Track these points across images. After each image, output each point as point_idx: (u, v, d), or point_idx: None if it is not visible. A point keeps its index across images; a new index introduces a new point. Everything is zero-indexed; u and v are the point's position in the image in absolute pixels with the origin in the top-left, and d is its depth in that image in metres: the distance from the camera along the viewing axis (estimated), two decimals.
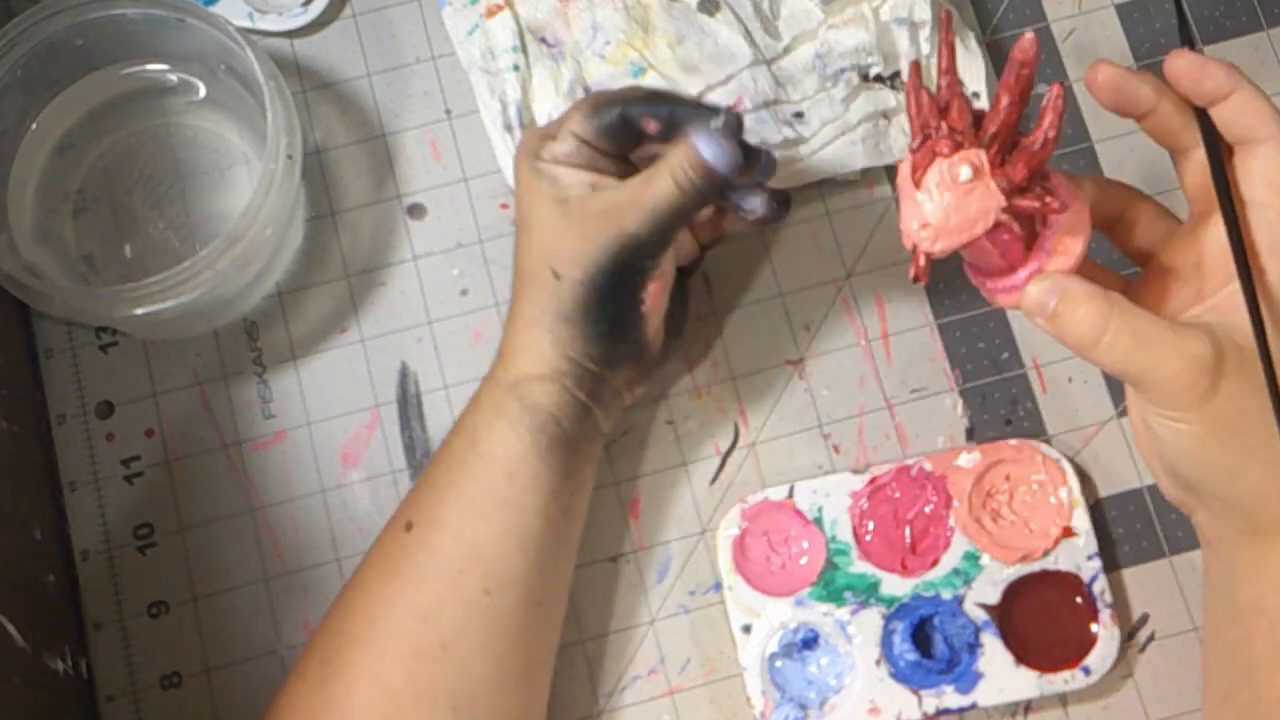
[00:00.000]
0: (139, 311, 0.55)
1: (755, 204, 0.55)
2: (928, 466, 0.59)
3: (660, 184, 0.53)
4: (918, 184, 0.46)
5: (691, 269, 0.60)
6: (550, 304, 0.54)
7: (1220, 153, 0.48)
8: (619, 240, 0.53)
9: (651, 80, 0.61)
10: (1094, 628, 0.57)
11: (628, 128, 0.54)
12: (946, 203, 0.45)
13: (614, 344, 0.54)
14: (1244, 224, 0.47)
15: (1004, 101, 0.46)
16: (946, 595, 0.58)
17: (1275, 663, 0.48)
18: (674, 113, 0.53)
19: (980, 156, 0.46)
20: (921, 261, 0.46)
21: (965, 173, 0.45)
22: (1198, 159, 0.49)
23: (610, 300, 0.53)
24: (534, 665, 0.55)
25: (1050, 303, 0.47)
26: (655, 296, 0.54)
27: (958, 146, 0.46)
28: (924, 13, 0.62)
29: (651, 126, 0.54)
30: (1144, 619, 0.59)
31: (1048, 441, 0.61)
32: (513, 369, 0.54)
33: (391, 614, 0.53)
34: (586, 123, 0.54)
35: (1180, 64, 0.48)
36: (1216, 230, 0.48)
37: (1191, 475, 0.49)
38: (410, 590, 0.53)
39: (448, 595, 0.53)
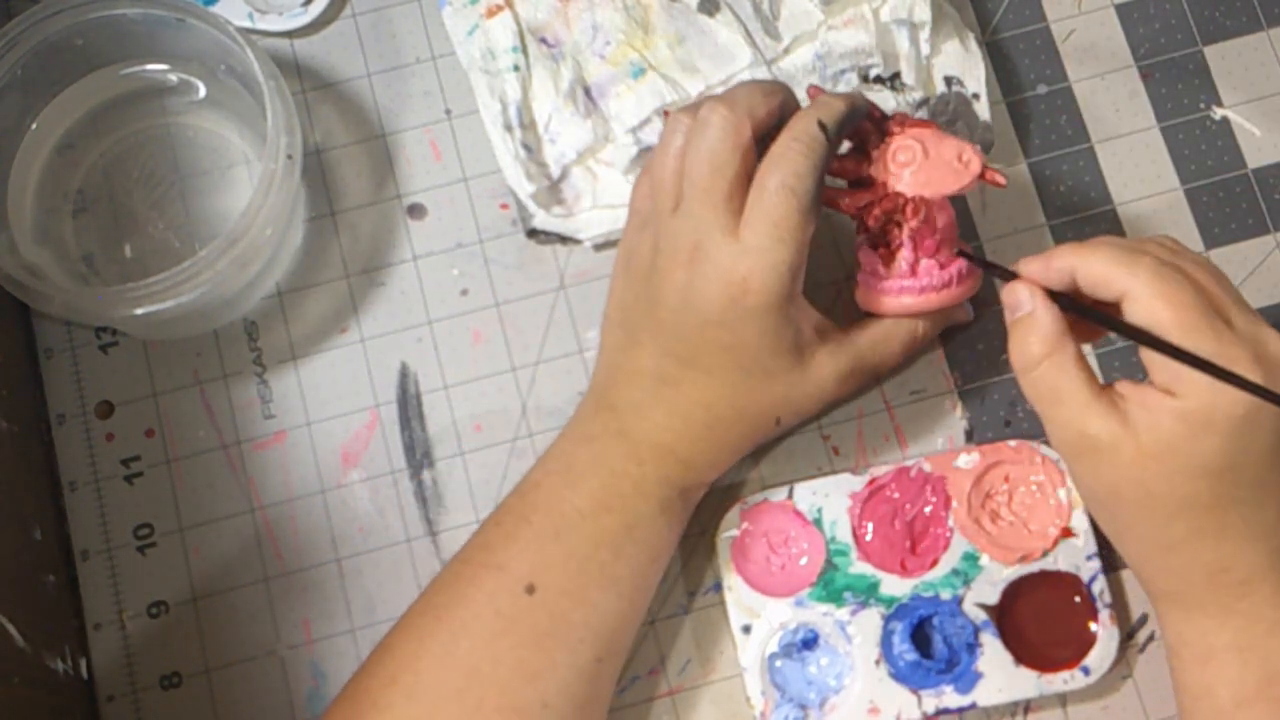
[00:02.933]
0: (139, 311, 0.55)
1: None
2: (927, 467, 0.59)
3: (906, 332, 0.57)
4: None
5: None
6: (758, 441, 0.57)
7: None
8: (865, 388, 0.58)
9: (651, 80, 0.61)
10: (1093, 628, 0.58)
11: None
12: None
13: None
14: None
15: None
16: (946, 595, 0.58)
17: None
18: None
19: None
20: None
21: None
22: (1124, 305, 0.49)
23: None
24: (604, 714, 0.56)
25: (1026, 307, 0.50)
26: None
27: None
28: (924, 13, 0.62)
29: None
30: (1143, 619, 0.59)
31: (1046, 442, 0.61)
32: (692, 475, 0.55)
33: (497, 671, 0.52)
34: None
35: (1027, 273, 0.51)
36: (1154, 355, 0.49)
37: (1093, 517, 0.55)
38: (523, 650, 0.52)
39: (561, 660, 0.53)
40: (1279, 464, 0.48)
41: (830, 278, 0.63)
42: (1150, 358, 0.48)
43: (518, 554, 0.53)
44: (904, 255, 0.54)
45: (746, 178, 0.51)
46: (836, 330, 0.56)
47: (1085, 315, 0.49)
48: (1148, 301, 0.47)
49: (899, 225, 0.54)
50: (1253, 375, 0.46)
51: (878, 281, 0.56)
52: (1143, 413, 0.48)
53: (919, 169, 0.53)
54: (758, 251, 0.50)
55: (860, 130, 0.54)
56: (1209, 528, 0.49)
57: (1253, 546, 0.49)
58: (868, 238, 0.55)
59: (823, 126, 0.50)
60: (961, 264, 0.55)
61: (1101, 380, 0.50)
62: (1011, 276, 0.50)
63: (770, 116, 0.52)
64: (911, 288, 0.55)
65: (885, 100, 0.62)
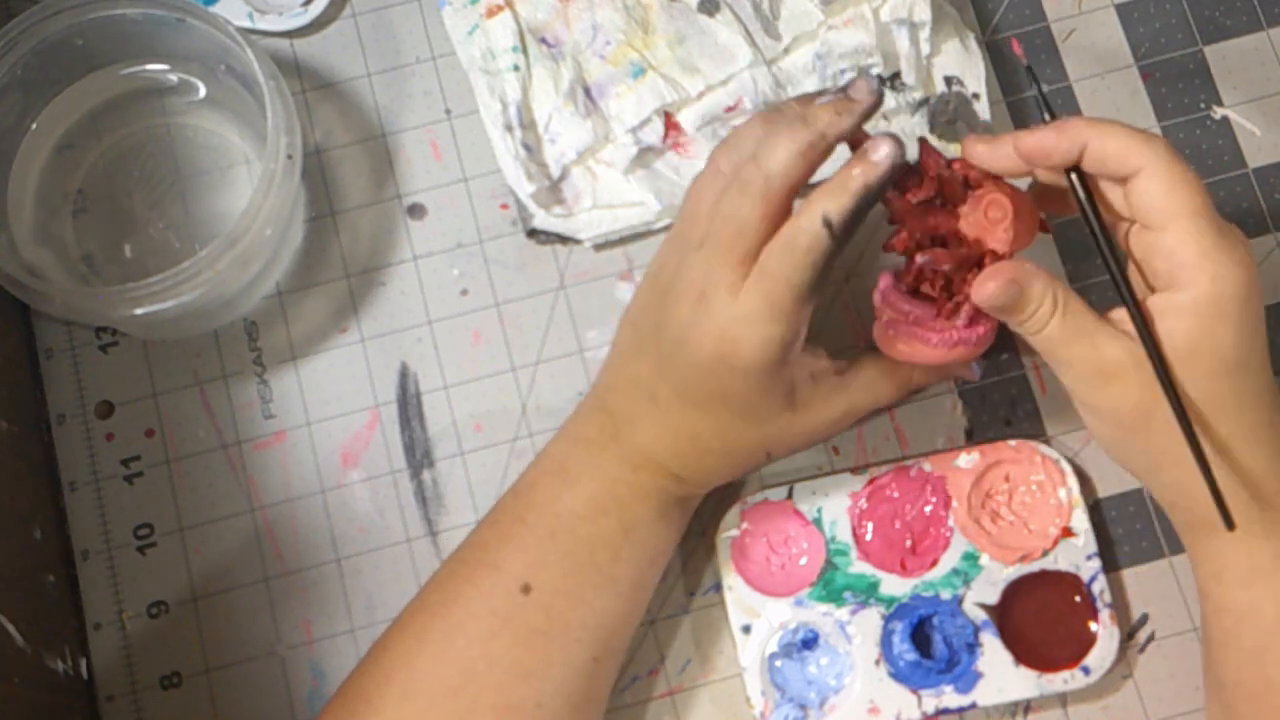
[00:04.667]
0: (139, 311, 0.55)
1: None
2: (927, 467, 0.59)
3: (903, 378, 0.58)
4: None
5: None
6: (750, 470, 0.58)
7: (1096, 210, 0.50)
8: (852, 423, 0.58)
9: (651, 80, 0.61)
10: (1093, 627, 0.58)
11: None
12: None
13: None
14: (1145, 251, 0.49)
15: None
16: (946, 595, 0.58)
17: (1228, 646, 0.52)
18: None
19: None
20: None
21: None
22: (1135, 182, 0.49)
23: None
24: (600, 715, 0.56)
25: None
26: None
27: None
28: (924, 13, 0.62)
29: None
30: (1144, 619, 0.59)
31: (1047, 442, 0.61)
32: (686, 487, 0.55)
33: (492, 670, 0.52)
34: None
35: (1030, 143, 0.50)
36: (1157, 240, 0.49)
37: (1122, 465, 0.54)
38: (518, 650, 0.52)
39: (556, 659, 0.53)
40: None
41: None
42: (1150, 244, 0.48)
43: (513, 554, 0.54)
44: (965, 309, 0.53)
45: (769, 239, 0.51)
46: (832, 374, 0.56)
47: (1079, 203, 0.50)
48: (1165, 177, 0.47)
49: (959, 279, 0.52)
50: (1250, 261, 0.47)
51: (917, 330, 0.54)
52: (1156, 321, 0.48)
53: (1010, 226, 0.51)
54: (750, 322, 0.50)
55: (943, 182, 0.52)
56: (1242, 431, 0.49)
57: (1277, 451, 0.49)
58: (906, 282, 0.54)
59: (829, 225, 0.49)
60: (990, 322, 0.54)
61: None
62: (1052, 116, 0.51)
63: (812, 169, 0.51)
64: (950, 339, 0.53)
65: (885, 100, 0.62)
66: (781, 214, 0.50)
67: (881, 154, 0.49)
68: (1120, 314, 0.50)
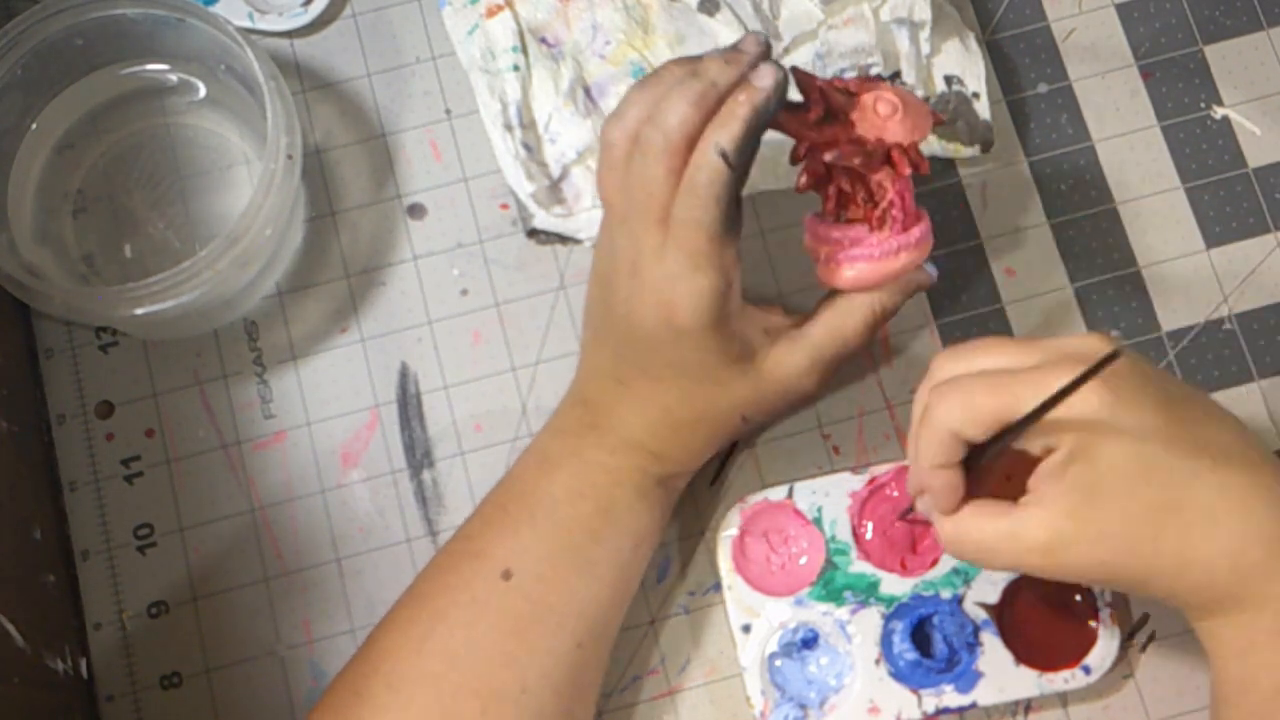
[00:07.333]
0: (139, 311, 0.55)
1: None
2: None
3: (865, 309, 0.56)
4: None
5: None
6: (730, 437, 0.57)
7: None
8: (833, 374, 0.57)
9: None
10: (1094, 626, 0.57)
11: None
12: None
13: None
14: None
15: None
16: (946, 595, 0.58)
17: (1230, 711, 0.50)
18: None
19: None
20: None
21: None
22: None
23: None
24: (591, 705, 0.56)
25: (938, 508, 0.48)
26: None
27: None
28: (924, 13, 0.62)
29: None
30: (1144, 619, 0.59)
31: None
32: (668, 467, 0.56)
33: (475, 657, 0.52)
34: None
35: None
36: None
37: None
38: (500, 636, 0.53)
39: (540, 645, 0.53)
40: (1187, 420, 0.46)
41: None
42: (1028, 440, 0.47)
43: (494, 540, 0.54)
44: (893, 213, 0.53)
45: None
46: (789, 326, 0.56)
47: (991, 445, 0.47)
48: (954, 432, 0.46)
49: (876, 186, 0.53)
50: (1067, 375, 0.44)
51: (855, 251, 0.54)
52: (1055, 492, 0.46)
53: (904, 116, 0.52)
54: (677, 278, 0.50)
55: (824, 94, 0.53)
56: (1193, 520, 0.47)
57: (1243, 517, 0.47)
58: (829, 210, 0.54)
59: (724, 155, 0.49)
60: (924, 221, 0.54)
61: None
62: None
63: (708, 119, 0.50)
64: (890, 248, 0.54)
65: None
66: (685, 170, 0.50)
67: (764, 77, 0.49)
68: (1023, 499, 0.47)
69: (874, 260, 0.54)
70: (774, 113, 0.50)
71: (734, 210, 0.50)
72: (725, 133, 0.49)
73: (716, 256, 0.50)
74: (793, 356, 0.55)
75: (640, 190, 0.50)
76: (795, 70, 0.52)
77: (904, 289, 0.57)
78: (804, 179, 0.53)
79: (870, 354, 0.62)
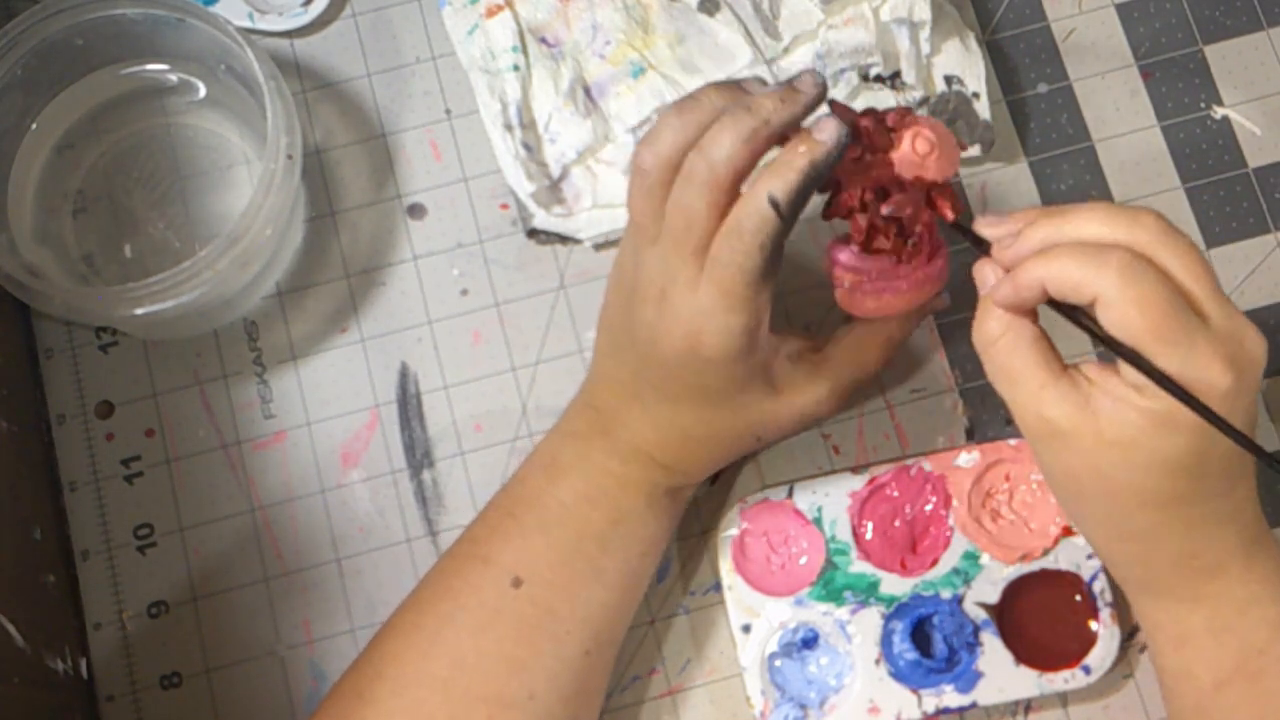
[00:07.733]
0: (139, 311, 0.55)
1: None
2: (927, 466, 0.59)
3: (882, 337, 0.57)
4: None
5: None
6: (741, 454, 0.58)
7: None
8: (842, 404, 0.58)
9: (651, 80, 0.61)
10: (1094, 626, 0.57)
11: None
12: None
13: None
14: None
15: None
16: (946, 594, 0.58)
17: (1171, 703, 0.52)
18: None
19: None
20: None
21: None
22: (1096, 309, 0.46)
23: None
24: (596, 710, 0.56)
25: (990, 282, 0.48)
26: None
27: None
28: (924, 13, 0.62)
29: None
30: None
31: None
32: (676, 478, 0.56)
33: (483, 663, 0.52)
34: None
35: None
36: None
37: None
38: (509, 643, 0.53)
39: (548, 651, 0.53)
40: (1244, 456, 0.47)
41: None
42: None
43: (503, 547, 0.54)
44: (923, 247, 0.52)
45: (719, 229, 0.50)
46: (810, 353, 0.56)
47: (1066, 317, 0.47)
48: (1119, 308, 0.44)
49: (909, 220, 0.52)
50: (1224, 379, 0.44)
51: (883, 283, 0.54)
52: (1107, 401, 0.46)
53: (940, 154, 0.51)
54: (710, 315, 0.50)
55: (867, 134, 0.52)
56: (1174, 520, 0.47)
57: (1220, 532, 0.48)
58: (858, 242, 0.53)
59: (775, 204, 0.48)
60: (944, 250, 0.54)
61: (1066, 360, 0.48)
62: (986, 251, 0.49)
63: (757, 157, 0.50)
64: (917, 281, 0.53)
65: (885, 99, 0.62)
66: (729, 203, 0.50)
67: (828, 132, 0.48)
68: (1091, 370, 0.47)
69: (902, 292, 0.53)
70: (832, 168, 0.49)
71: (776, 257, 0.50)
72: (780, 182, 0.48)
73: (752, 300, 0.50)
74: (813, 384, 0.56)
75: (679, 218, 0.50)
76: (834, 104, 0.51)
77: (920, 314, 0.58)
78: (833, 209, 0.52)
79: None
